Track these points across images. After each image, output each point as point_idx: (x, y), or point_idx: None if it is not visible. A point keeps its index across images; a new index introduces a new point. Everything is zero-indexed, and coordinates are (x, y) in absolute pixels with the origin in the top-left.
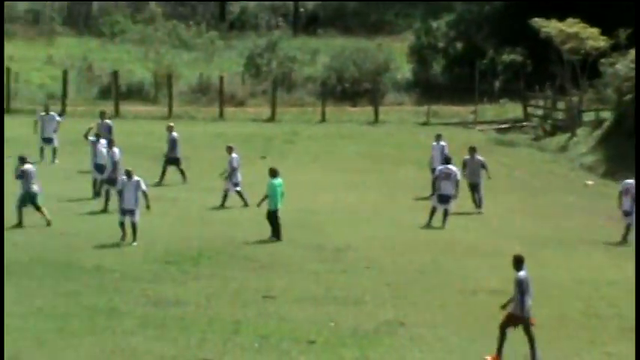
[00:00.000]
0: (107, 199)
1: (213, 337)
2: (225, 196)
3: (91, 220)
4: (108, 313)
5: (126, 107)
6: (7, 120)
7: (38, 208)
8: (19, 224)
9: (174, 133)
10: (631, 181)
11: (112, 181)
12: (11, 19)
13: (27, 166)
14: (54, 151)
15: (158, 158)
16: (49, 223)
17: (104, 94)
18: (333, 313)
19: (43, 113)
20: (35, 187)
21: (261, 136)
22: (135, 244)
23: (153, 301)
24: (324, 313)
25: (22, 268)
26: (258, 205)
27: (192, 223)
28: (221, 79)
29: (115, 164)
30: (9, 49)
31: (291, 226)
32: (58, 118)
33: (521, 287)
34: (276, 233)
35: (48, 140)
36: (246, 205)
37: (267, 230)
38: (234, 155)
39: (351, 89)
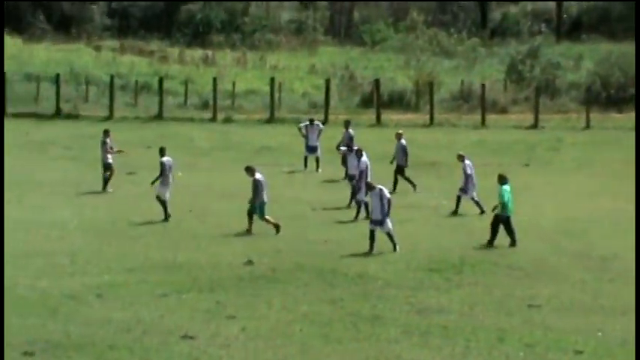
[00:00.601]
0: (359, 207)
1: (478, 345)
2: (478, 204)
3: (353, 227)
4: (372, 320)
5: (387, 115)
6: (271, 129)
7: (250, 216)
8: (277, 230)
9: (403, 141)
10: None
11: (357, 190)
12: (275, 30)
13: (258, 176)
14: (317, 160)
15: (417, 167)
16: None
17: (366, 102)
18: (600, 322)
19: (308, 122)
20: (265, 197)
21: (523, 144)
22: (397, 251)
23: (416, 308)
24: (592, 323)
25: (287, 274)
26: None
27: (454, 231)
28: (483, 86)
29: (360, 173)
30: (272, 59)
31: (555, 234)
32: (321, 126)
33: None
34: (511, 240)
35: (313, 149)
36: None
37: (527, 239)
38: (467, 162)
39: (616, 95)
